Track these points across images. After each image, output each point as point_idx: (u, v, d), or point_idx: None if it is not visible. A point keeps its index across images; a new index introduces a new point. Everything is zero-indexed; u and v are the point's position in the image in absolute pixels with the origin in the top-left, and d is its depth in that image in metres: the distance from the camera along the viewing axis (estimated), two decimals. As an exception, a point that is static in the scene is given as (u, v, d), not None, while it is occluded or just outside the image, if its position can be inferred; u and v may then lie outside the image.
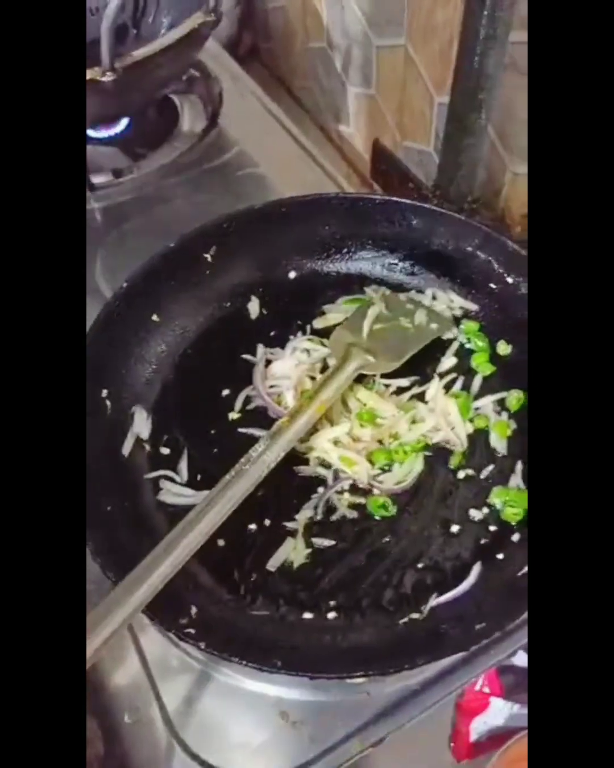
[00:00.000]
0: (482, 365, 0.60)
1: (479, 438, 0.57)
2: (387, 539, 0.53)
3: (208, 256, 0.63)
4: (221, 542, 0.52)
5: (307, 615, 0.49)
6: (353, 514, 0.54)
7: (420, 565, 0.51)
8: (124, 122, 0.89)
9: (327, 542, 0.53)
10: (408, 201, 0.62)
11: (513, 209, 0.80)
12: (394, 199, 0.62)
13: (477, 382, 0.60)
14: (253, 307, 0.65)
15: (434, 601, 0.48)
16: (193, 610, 0.47)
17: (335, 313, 0.64)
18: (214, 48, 1.02)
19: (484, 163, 0.74)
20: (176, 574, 0.44)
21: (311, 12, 1.07)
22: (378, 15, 0.89)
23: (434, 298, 0.65)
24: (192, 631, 0.44)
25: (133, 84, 0.75)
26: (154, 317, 0.62)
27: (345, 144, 1.18)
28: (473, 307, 0.63)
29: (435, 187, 0.75)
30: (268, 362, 0.61)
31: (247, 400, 0.60)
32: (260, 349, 0.62)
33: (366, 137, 1.10)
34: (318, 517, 0.54)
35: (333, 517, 0.54)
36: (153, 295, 0.61)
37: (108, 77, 0.69)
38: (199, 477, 0.56)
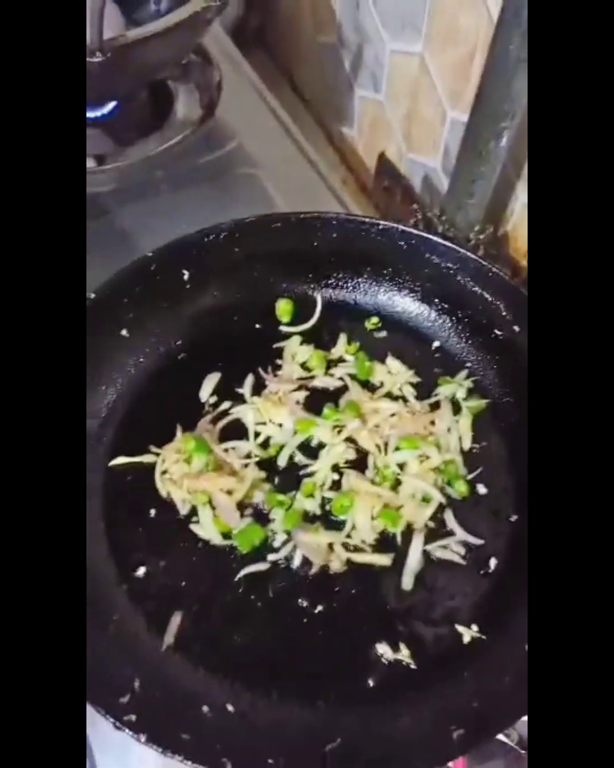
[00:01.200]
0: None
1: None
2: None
3: (185, 272, 0.57)
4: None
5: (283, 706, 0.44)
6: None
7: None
8: (111, 104, 0.82)
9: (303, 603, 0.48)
10: (415, 231, 0.57)
11: (519, 241, 0.76)
12: (400, 227, 0.57)
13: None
14: (233, 330, 0.59)
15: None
16: (136, 683, 0.42)
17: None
18: (217, 31, 0.95)
19: (495, 189, 0.69)
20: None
21: (323, 3, 1.01)
22: (394, 15, 0.83)
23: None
24: (132, 718, 0.38)
25: (122, 68, 0.68)
26: (124, 332, 0.56)
27: (346, 146, 1.12)
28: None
29: (441, 211, 0.70)
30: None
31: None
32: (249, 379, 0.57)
33: (368, 143, 1.04)
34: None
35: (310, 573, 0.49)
36: (122, 310, 0.55)
37: (96, 58, 0.62)
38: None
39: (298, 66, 1.20)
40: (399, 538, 0.50)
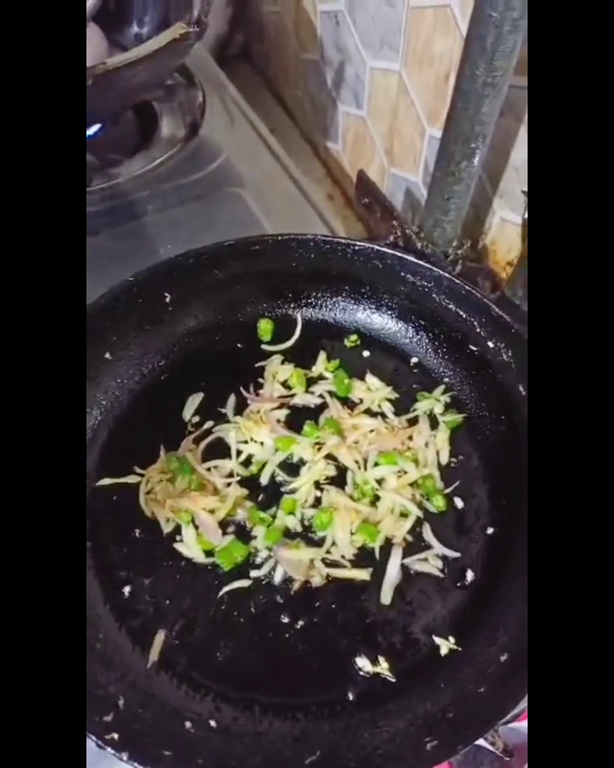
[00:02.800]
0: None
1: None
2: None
3: (167, 294, 0.58)
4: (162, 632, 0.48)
5: (265, 721, 0.45)
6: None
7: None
8: (95, 126, 0.84)
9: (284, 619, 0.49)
10: (390, 250, 0.58)
11: (499, 254, 0.77)
12: (375, 247, 0.58)
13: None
14: (215, 351, 0.61)
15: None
16: (120, 701, 0.43)
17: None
18: (200, 51, 0.97)
19: (472, 204, 0.71)
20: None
21: (305, 21, 1.02)
22: (372, 35, 0.85)
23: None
24: (115, 736, 0.39)
25: (104, 93, 0.69)
26: (107, 355, 0.57)
27: (332, 160, 1.13)
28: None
29: (419, 228, 0.71)
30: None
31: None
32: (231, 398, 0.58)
33: (353, 157, 1.06)
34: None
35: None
36: (106, 333, 0.56)
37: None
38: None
39: (283, 82, 1.22)
40: (378, 553, 0.52)
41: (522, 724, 0.58)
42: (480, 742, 0.56)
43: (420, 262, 0.57)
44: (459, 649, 0.47)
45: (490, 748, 0.57)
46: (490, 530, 0.52)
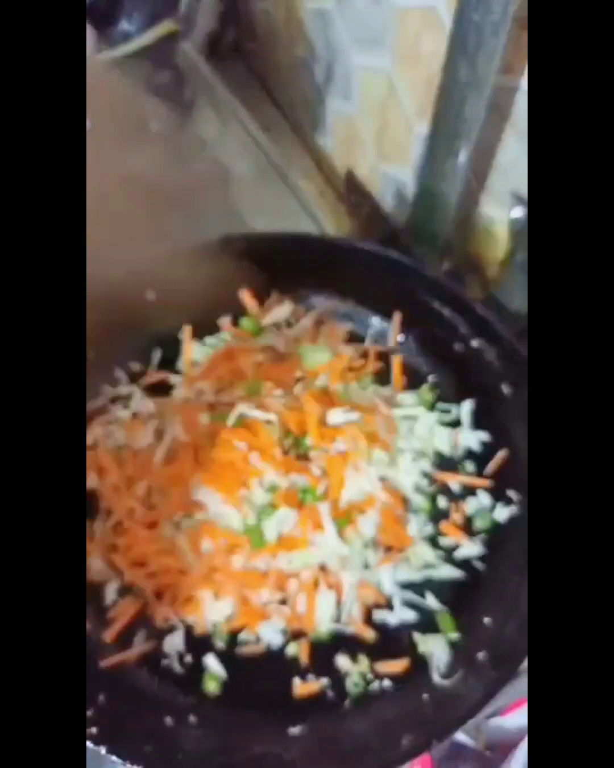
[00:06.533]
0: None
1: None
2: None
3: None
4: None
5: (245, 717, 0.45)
6: None
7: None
8: (84, 123, 0.83)
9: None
10: (375, 248, 0.58)
11: (487, 253, 0.77)
12: (360, 245, 0.58)
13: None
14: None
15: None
16: (101, 697, 0.43)
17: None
18: (190, 49, 0.96)
19: (460, 202, 0.71)
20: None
21: (295, 19, 1.02)
22: (361, 32, 0.85)
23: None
24: (94, 730, 0.40)
25: (91, 90, 0.69)
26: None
27: (322, 158, 1.13)
28: None
29: (406, 226, 0.72)
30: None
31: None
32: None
33: (343, 154, 1.06)
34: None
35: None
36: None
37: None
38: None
39: (275, 78, 1.22)
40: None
41: (504, 720, 0.58)
42: (462, 737, 0.56)
43: (405, 261, 0.58)
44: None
45: (472, 743, 0.57)
46: (471, 528, 0.53)
